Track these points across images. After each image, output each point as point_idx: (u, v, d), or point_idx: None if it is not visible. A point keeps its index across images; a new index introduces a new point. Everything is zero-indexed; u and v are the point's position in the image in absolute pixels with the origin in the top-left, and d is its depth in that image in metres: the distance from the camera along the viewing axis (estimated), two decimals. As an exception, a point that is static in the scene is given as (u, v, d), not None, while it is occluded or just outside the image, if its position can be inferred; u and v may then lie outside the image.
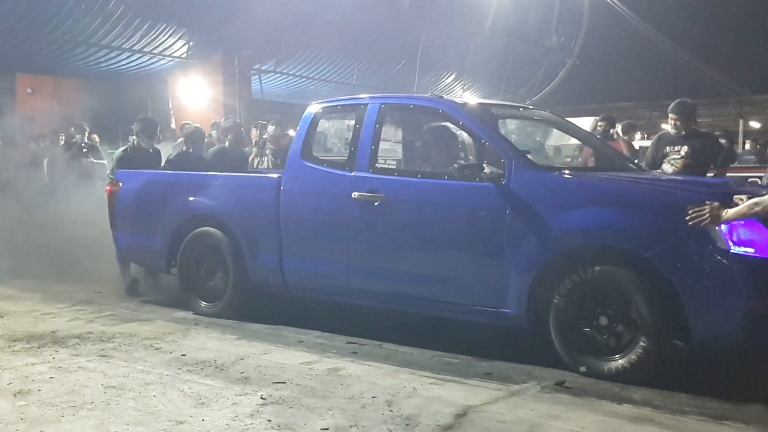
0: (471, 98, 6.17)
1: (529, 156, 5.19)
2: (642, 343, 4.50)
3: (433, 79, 21.86)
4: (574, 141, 9.81)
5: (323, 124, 6.23)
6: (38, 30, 12.52)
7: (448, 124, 5.71)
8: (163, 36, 14.26)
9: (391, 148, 6.30)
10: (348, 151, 5.78)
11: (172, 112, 20.79)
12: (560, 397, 4.32)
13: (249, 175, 6.93)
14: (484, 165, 5.06)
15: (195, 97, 15.50)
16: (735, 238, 4.33)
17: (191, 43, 14.79)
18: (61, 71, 15.12)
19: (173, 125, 16.02)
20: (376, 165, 5.60)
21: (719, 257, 4.33)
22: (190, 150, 7.90)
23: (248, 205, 6.23)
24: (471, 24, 20.82)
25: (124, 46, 13.96)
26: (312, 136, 6.07)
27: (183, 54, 15.09)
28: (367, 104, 5.77)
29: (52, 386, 4.51)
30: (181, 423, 3.88)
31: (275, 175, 6.24)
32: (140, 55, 14.41)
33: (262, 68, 16.66)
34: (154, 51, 14.58)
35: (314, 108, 6.17)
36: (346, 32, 16.93)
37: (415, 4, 18.28)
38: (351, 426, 3.83)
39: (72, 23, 12.66)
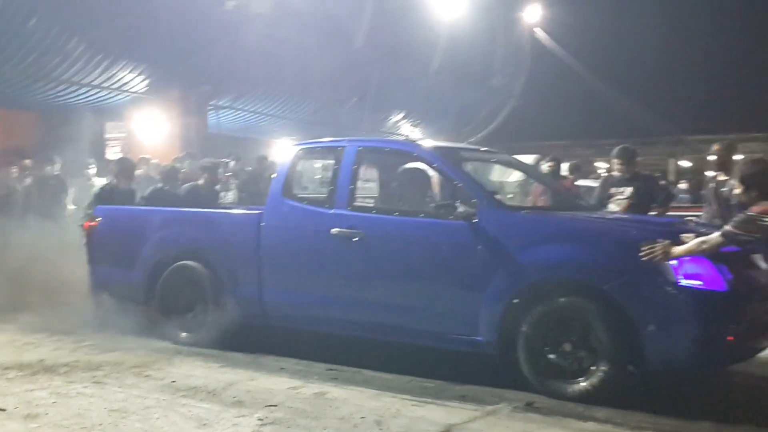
0: (441, 142, 6.61)
1: (498, 196, 5.69)
2: (602, 367, 4.96)
3: (383, 117, 22.47)
4: (514, 178, 10.44)
5: (303, 164, 6.62)
6: (1, 65, 12.64)
7: (421, 165, 6.17)
8: (123, 72, 14.48)
9: (367, 187, 6.72)
10: (327, 189, 6.19)
11: (108, 143, 20.91)
12: (531, 416, 4.76)
13: (230, 212, 7.26)
14: (457, 204, 5.53)
15: (152, 131, 15.71)
16: (683, 272, 4.85)
17: (150, 79, 15.02)
18: (17, 104, 15.15)
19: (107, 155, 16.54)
20: (354, 203, 6.02)
21: (670, 289, 4.85)
22: (165, 187, 8.21)
23: (229, 240, 6.55)
24: (420, 64, 21.55)
25: (83, 81, 14.12)
26: (293, 176, 6.46)
27: (141, 89, 15.31)
28: (345, 147, 6.20)
29: (58, 410, 4.76)
30: (190, 442, 4.20)
31: (255, 212, 6.59)
32: (99, 90, 14.58)
33: (219, 103, 16.98)
34: (113, 86, 14.77)
35: (294, 149, 6.57)
36: (301, 70, 17.39)
37: (368, 44, 18.90)
38: (347, 443, 4.20)
39: (35, 59, 12.81)
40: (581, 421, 4.66)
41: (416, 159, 6.15)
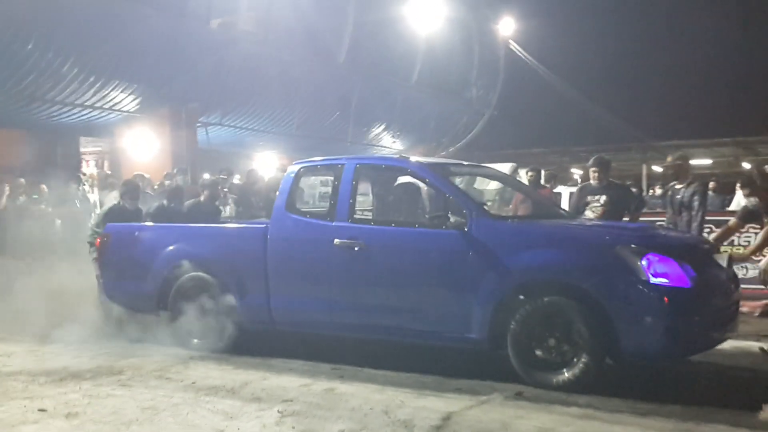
0: (432, 158, 7.18)
1: (486, 207, 6.27)
2: (583, 359, 5.52)
3: (365, 129, 23.06)
4: (493, 187, 11.06)
5: (304, 181, 7.15)
6: (-1, 87, 13.08)
7: (415, 180, 6.75)
8: (115, 91, 14.92)
9: (361, 200, 7.26)
10: (328, 204, 6.73)
11: (83, 158, 21.29)
12: (521, 404, 5.32)
13: (238, 226, 7.77)
14: (449, 215, 6.10)
15: (144, 148, 16.17)
16: (653, 271, 5.44)
17: (141, 98, 15.49)
18: (8, 124, 15.53)
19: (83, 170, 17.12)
20: (355, 216, 6.58)
21: (641, 287, 5.43)
22: (171, 205, 8.72)
23: (237, 252, 7.06)
24: (399, 78, 22.17)
25: (76, 102, 14.55)
26: (295, 192, 7.00)
27: (133, 108, 15.76)
28: (344, 164, 6.75)
29: (94, 409, 5.26)
30: (221, 431, 4.71)
31: (261, 225, 7.11)
32: (91, 109, 15.02)
33: (208, 120, 17.47)
34: (105, 106, 15.21)
35: (296, 167, 7.10)
36: (286, 86, 17.94)
37: (349, 60, 19.47)
38: (361, 428, 4.74)
39: (31, 81, 13.24)
40: (565, 407, 5.21)
41: (410, 174, 6.73)
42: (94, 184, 13.87)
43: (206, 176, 9.60)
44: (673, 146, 32.55)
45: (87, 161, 23.03)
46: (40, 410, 5.24)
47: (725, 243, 8.20)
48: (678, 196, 8.59)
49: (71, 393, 5.72)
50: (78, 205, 11.56)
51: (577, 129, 34.12)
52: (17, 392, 5.76)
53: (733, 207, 12.58)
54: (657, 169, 36.38)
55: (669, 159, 9.05)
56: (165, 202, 8.95)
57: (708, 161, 34.06)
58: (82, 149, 21.36)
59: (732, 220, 7.20)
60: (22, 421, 5.02)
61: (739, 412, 5.05)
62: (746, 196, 7.04)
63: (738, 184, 7.20)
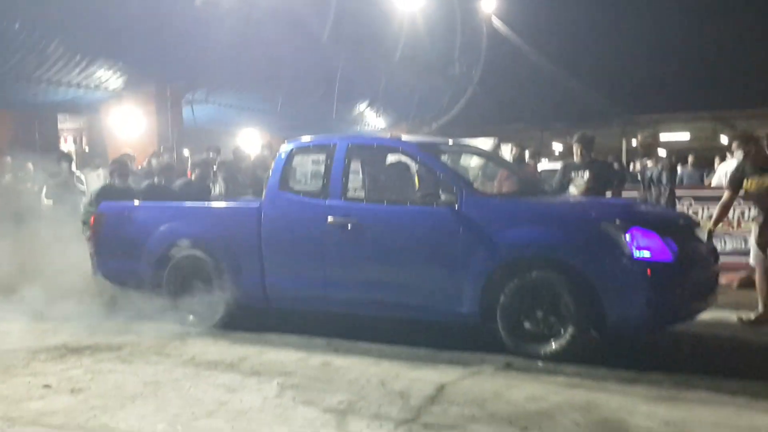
0: (422, 137, 7.31)
1: (475, 185, 6.45)
2: (570, 331, 5.75)
3: (349, 107, 23.13)
4: (475, 163, 11.24)
5: (296, 160, 7.27)
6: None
7: (406, 159, 6.90)
8: (101, 70, 14.91)
9: (353, 178, 7.40)
10: (321, 182, 6.87)
11: (61, 135, 21.26)
12: (510, 374, 5.55)
13: (232, 205, 7.89)
14: (439, 193, 6.28)
15: (130, 126, 16.19)
16: (636, 245, 5.66)
17: (126, 76, 15.48)
18: (-5, 103, 15.51)
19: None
20: (347, 194, 6.73)
21: (625, 261, 5.64)
22: (161, 182, 8.82)
23: (231, 231, 7.19)
24: (382, 56, 22.23)
25: (62, 81, 14.54)
26: (288, 171, 7.13)
27: (118, 87, 15.75)
28: (336, 144, 6.89)
29: (98, 384, 5.42)
30: (224, 404, 4.90)
31: (255, 204, 7.24)
32: (77, 88, 15.01)
33: (193, 97, 17.49)
34: (90, 85, 15.19)
35: (289, 146, 7.23)
36: (270, 64, 17.96)
37: (333, 37, 19.51)
38: (359, 399, 4.94)
39: (17, 60, 13.21)
40: (553, 377, 5.44)
41: (401, 153, 6.88)
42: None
43: (186, 153, 9.68)
44: (652, 120, 33.00)
45: (65, 138, 23.00)
46: (44, 386, 5.39)
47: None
48: (648, 173, 8.88)
49: (73, 369, 5.87)
50: (77, 184, 11.57)
51: (558, 104, 34.40)
52: (19, 369, 5.90)
53: (714, 183, 12.78)
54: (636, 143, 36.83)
55: (641, 136, 9.36)
56: (156, 179, 9.04)
57: (686, 135, 34.50)
58: (60, 126, 21.35)
59: (724, 194, 7.39)
60: (28, 397, 5.17)
61: (719, 378, 5.30)
62: (745, 152, 7.17)
63: (734, 143, 7.38)
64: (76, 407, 4.89)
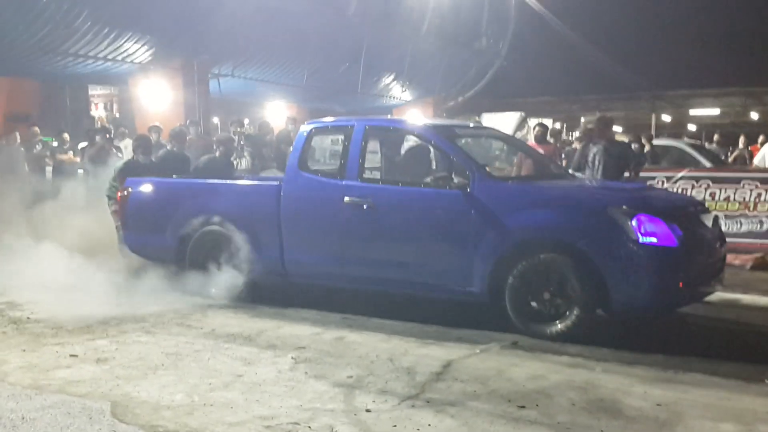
0: (438, 120, 7.43)
1: (488, 168, 6.62)
2: (575, 312, 5.93)
3: (374, 80, 23.22)
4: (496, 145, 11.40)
5: (315, 141, 7.48)
6: (15, 38, 13.33)
7: (421, 142, 7.08)
8: (128, 43, 15.16)
9: (370, 158, 7.60)
10: (339, 163, 7.08)
11: (92, 101, 21.65)
12: (516, 353, 5.75)
13: (253, 183, 8.13)
14: (452, 176, 6.46)
15: (157, 99, 16.49)
16: (642, 231, 5.81)
17: (154, 49, 15.73)
18: (20, 73, 15.83)
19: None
20: (364, 175, 6.93)
21: (631, 245, 5.80)
22: (174, 149, 9.18)
23: (253, 207, 7.44)
24: (409, 28, 22.24)
25: (90, 54, 14.82)
26: (307, 151, 7.33)
27: (146, 59, 16.02)
28: (354, 125, 7.08)
29: (122, 354, 5.71)
30: (240, 376, 5.16)
31: (275, 183, 7.47)
32: (104, 61, 15.29)
33: (220, 71, 17.72)
34: (118, 58, 15.47)
35: (308, 127, 7.44)
36: (296, 38, 18.11)
37: (359, 10, 19.58)
38: (368, 375, 5.17)
39: (46, 33, 13.50)
40: (557, 356, 5.63)
41: (416, 136, 7.06)
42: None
43: (215, 121, 9.99)
44: (682, 96, 32.67)
45: (96, 105, 23.44)
46: (71, 356, 5.68)
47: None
48: (588, 155, 9.03)
49: (99, 339, 6.16)
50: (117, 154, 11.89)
51: (587, 78, 34.13)
52: (48, 338, 6.20)
53: (756, 163, 12.76)
54: (666, 118, 36.49)
55: (596, 118, 9.53)
56: (168, 146, 9.34)
57: (716, 111, 34.12)
58: (90, 92, 21.75)
59: None
60: (56, 366, 5.46)
61: (717, 361, 5.47)
62: None
63: None
64: (101, 376, 5.18)
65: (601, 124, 8.93)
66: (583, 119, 32.70)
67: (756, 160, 12.70)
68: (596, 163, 8.71)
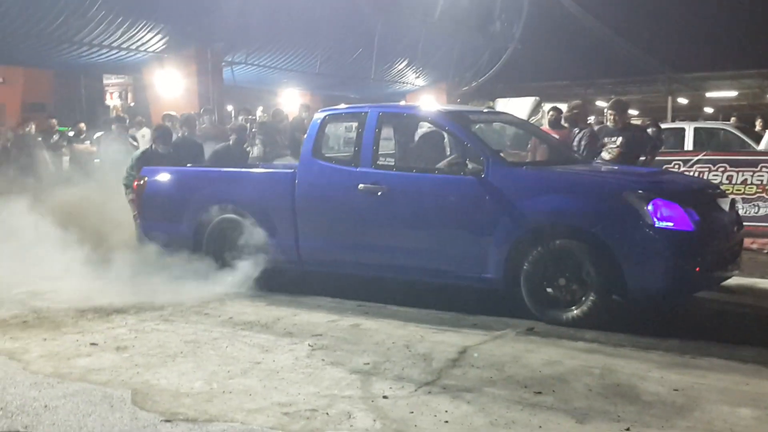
0: (451, 106, 7.46)
1: (502, 154, 6.61)
2: (591, 298, 5.94)
3: (387, 66, 23.19)
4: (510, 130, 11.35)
5: (329, 128, 7.49)
6: (30, 28, 13.41)
7: (434, 128, 7.08)
8: (142, 32, 15.23)
9: (384, 144, 7.60)
10: (353, 150, 7.09)
11: (107, 90, 21.73)
12: (532, 339, 5.77)
13: (268, 171, 8.17)
14: (467, 162, 6.45)
15: (171, 87, 16.55)
16: (658, 215, 5.79)
17: (167, 37, 15.78)
18: (35, 63, 15.93)
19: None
20: (378, 162, 6.94)
21: (647, 230, 5.79)
22: (186, 134, 9.27)
23: (268, 195, 7.47)
24: (421, 13, 22.17)
25: (104, 43, 14.89)
26: (321, 138, 7.35)
27: (159, 48, 16.07)
28: (367, 112, 7.09)
29: (141, 342, 5.77)
30: (258, 363, 5.21)
31: (290, 171, 7.50)
32: (118, 50, 15.36)
33: (233, 58, 17.76)
34: (132, 47, 15.53)
35: (322, 114, 7.45)
36: (309, 25, 18.11)
37: (371, -3, 19.57)
38: (384, 361, 5.20)
39: (60, 23, 13.57)
40: (572, 342, 5.64)
41: (430, 123, 7.06)
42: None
43: (229, 108, 10.06)
44: (698, 78, 32.41)
45: (111, 94, 23.54)
46: (91, 344, 5.76)
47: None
48: (574, 141, 8.99)
49: (119, 328, 6.24)
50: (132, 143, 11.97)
51: (602, 61, 33.89)
52: (68, 327, 6.28)
53: (762, 147, 12.60)
54: (683, 101, 36.22)
55: (573, 104, 9.49)
56: (180, 133, 9.41)
57: (733, 93, 33.83)
58: (105, 81, 21.83)
59: None
60: (76, 354, 5.53)
61: (734, 345, 5.46)
62: None
63: None
64: (121, 364, 5.24)
65: (617, 108, 8.84)
66: (598, 103, 32.52)
67: (762, 146, 12.46)
68: (581, 148, 8.70)
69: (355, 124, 7.24)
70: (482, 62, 27.27)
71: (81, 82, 21.35)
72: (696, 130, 13.72)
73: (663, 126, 14.02)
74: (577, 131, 9.08)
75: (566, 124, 9.74)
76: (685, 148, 12.70)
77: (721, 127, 14.23)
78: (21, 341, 5.86)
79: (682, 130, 13.80)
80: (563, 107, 11.41)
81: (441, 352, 5.40)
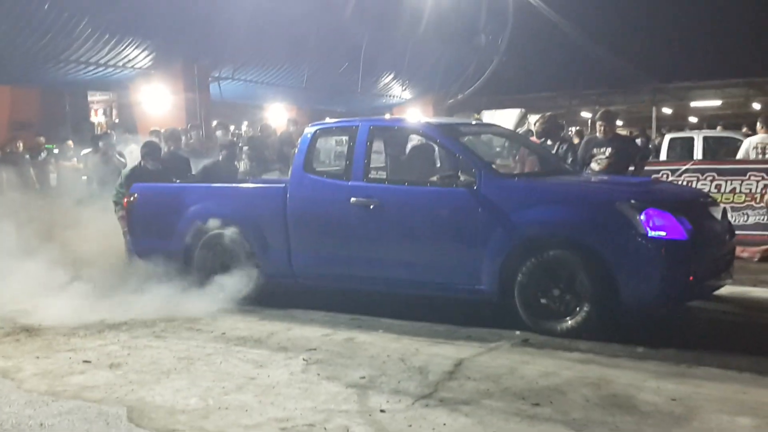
0: (442, 119, 7.47)
1: (494, 166, 6.62)
2: (585, 308, 5.93)
3: (374, 79, 23.24)
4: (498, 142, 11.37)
5: (320, 143, 7.49)
6: (17, 47, 13.35)
7: (424, 141, 7.08)
8: (129, 48, 15.20)
9: (374, 158, 7.60)
10: (344, 164, 7.09)
11: (91, 107, 21.66)
12: (527, 350, 5.76)
13: (259, 186, 8.14)
14: (459, 174, 6.46)
15: (158, 103, 16.52)
16: (651, 225, 5.81)
17: (154, 53, 15.76)
18: (21, 81, 15.88)
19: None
20: (369, 175, 6.93)
21: (640, 239, 5.80)
22: (172, 148, 9.23)
23: (259, 210, 7.45)
24: (406, 27, 22.25)
25: (91, 60, 14.86)
26: (312, 153, 7.34)
27: (146, 64, 16.04)
28: (358, 126, 7.09)
29: (134, 359, 5.73)
30: (253, 378, 5.17)
31: (281, 185, 7.47)
32: (105, 67, 15.33)
33: (220, 74, 17.76)
34: (119, 63, 15.50)
35: (312, 129, 7.44)
36: (295, 40, 18.14)
37: (357, 12, 19.60)
38: (380, 375, 5.18)
39: (48, 41, 13.53)
40: (567, 352, 5.63)
41: (421, 135, 7.06)
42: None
43: (214, 123, 10.03)
44: (683, 88, 32.64)
45: (95, 110, 23.49)
46: (85, 361, 5.71)
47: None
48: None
49: (111, 345, 6.19)
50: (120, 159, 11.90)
51: (587, 72, 34.16)
52: (61, 345, 6.23)
53: (740, 155, 12.67)
54: (667, 110, 36.44)
55: (539, 119, 9.45)
56: (165, 148, 9.39)
57: (718, 102, 34.07)
58: (90, 98, 21.78)
59: None
60: (70, 371, 5.48)
61: (730, 354, 5.46)
62: None
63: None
64: (115, 381, 5.19)
65: (606, 118, 8.88)
66: (583, 113, 32.71)
67: (740, 154, 12.47)
68: (566, 161, 8.69)
69: (345, 138, 7.24)
70: (468, 75, 27.38)
71: (66, 100, 21.25)
72: (705, 139, 13.84)
73: (672, 136, 14.15)
74: (550, 143, 9.04)
75: (536, 139, 9.64)
76: (695, 158, 12.76)
77: (730, 135, 14.31)
78: (14, 360, 5.81)
79: (691, 139, 13.90)
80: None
81: (437, 364, 5.38)
